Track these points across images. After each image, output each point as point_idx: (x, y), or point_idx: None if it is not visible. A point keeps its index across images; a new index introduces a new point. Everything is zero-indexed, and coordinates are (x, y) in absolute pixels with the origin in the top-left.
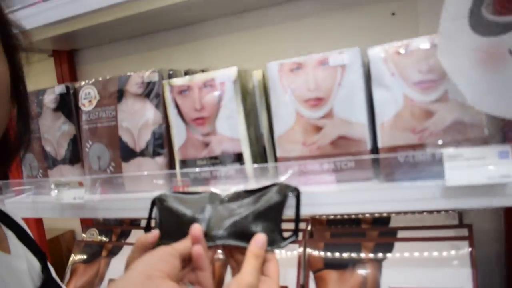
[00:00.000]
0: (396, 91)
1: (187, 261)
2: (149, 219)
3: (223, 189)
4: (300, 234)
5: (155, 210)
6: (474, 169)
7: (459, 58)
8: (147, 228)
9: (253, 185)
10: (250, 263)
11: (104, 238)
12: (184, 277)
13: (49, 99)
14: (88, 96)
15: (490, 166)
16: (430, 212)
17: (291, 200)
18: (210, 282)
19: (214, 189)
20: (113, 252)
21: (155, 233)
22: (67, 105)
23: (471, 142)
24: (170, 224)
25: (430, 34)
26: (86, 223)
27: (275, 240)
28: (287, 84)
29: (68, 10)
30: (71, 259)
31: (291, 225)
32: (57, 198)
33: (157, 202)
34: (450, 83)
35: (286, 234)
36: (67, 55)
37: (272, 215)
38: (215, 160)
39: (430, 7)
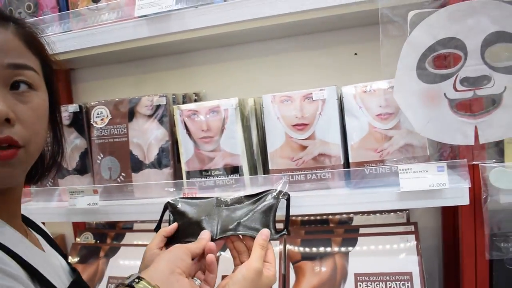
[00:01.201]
0: (362, 120)
1: (197, 260)
2: (161, 219)
3: (226, 195)
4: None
5: (166, 213)
6: (420, 179)
7: (409, 97)
8: (158, 228)
9: (250, 191)
10: (257, 251)
11: (98, 241)
12: (193, 273)
13: (62, 116)
14: (100, 115)
15: (431, 177)
16: (384, 212)
17: (282, 203)
18: (214, 282)
19: (219, 195)
20: (111, 252)
21: (174, 225)
22: (80, 122)
23: (418, 159)
24: (182, 224)
25: (390, 77)
26: (79, 227)
27: (271, 233)
28: (279, 111)
29: (69, 45)
30: (68, 260)
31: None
32: (71, 204)
33: (169, 206)
34: (402, 115)
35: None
36: (64, 73)
37: (268, 214)
38: (217, 172)
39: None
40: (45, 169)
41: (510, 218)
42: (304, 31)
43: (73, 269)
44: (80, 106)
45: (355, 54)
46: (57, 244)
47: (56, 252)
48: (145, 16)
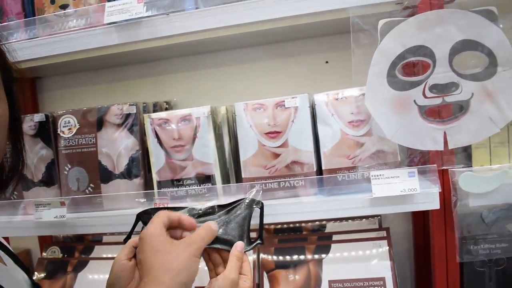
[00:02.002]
0: (335, 127)
1: None
2: (132, 231)
3: (199, 204)
4: None
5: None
6: (391, 185)
7: (380, 105)
8: (128, 239)
9: (223, 201)
10: (232, 263)
11: (65, 255)
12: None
13: (28, 126)
14: (68, 124)
15: (402, 182)
16: (357, 219)
17: (256, 212)
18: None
19: (191, 204)
20: (79, 266)
21: None
22: (46, 132)
23: (389, 165)
24: None
25: (361, 84)
26: (45, 241)
27: (245, 244)
28: (251, 119)
29: (35, 52)
30: (34, 276)
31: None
32: (37, 217)
33: (141, 217)
34: (374, 122)
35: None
36: (30, 82)
37: (242, 224)
38: (189, 181)
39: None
40: (4, 182)
41: (479, 221)
42: (276, 39)
43: (36, 285)
44: (46, 116)
45: (326, 62)
46: (19, 259)
47: (18, 267)
48: (114, 23)
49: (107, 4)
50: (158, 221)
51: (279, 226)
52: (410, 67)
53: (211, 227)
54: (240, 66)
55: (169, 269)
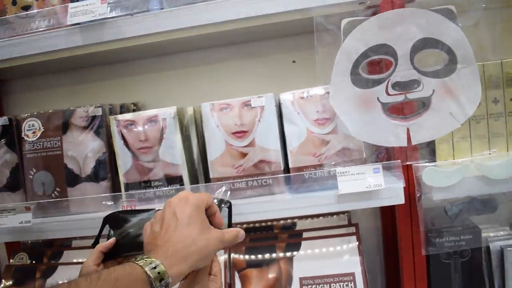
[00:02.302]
0: (301, 126)
1: None
2: (99, 235)
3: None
4: None
5: (106, 227)
6: (357, 181)
7: (344, 103)
8: (96, 243)
9: None
10: None
11: (34, 261)
12: None
13: None
14: (32, 128)
15: (368, 178)
16: (326, 215)
17: (224, 212)
18: None
19: (159, 206)
20: (48, 273)
21: (112, 240)
22: (10, 136)
23: (355, 162)
24: (122, 238)
25: (325, 83)
26: (13, 248)
27: None
28: (218, 119)
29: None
30: (2, 284)
31: None
32: (1, 223)
33: (108, 220)
34: (339, 120)
35: None
36: None
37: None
38: (157, 183)
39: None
40: None
41: (443, 215)
42: (243, 39)
43: None
44: (10, 119)
45: (293, 61)
46: None
47: None
48: (78, 24)
49: (70, 5)
50: (205, 198)
51: (251, 225)
52: (376, 65)
53: (240, 234)
54: (209, 66)
55: (193, 250)
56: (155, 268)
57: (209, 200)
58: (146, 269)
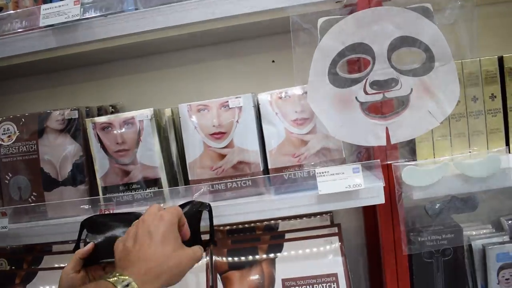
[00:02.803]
0: (279, 126)
1: None
2: (78, 240)
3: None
4: None
5: (84, 232)
6: (337, 181)
7: (322, 102)
8: (77, 248)
9: (171, 204)
10: None
11: (13, 267)
12: None
13: None
14: (7, 132)
15: (347, 178)
16: (309, 216)
17: (205, 214)
18: None
19: (138, 209)
20: (27, 278)
21: (90, 245)
22: None
23: (334, 162)
24: (101, 242)
25: (303, 83)
26: None
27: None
28: (196, 121)
29: None
30: None
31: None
32: None
33: (86, 224)
34: (317, 120)
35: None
36: None
37: (192, 227)
38: (135, 185)
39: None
40: None
41: (423, 214)
42: (221, 39)
43: None
44: None
45: (273, 61)
46: None
47: None
48: (51, 26)
49: (43, 6)
50: (176, 212)
51: (234, 227)
52: (354, 64)
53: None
54: (188, 66)
55: (165, 268)
56: (127, 286)
57: (179, 213)
58: (119, 287)
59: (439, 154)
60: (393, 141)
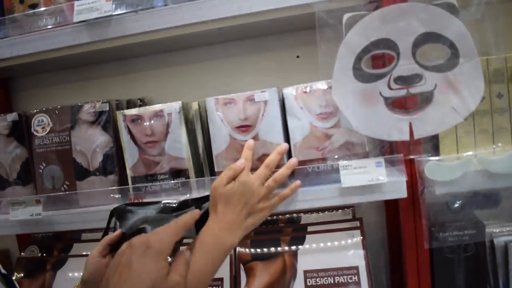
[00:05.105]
0: (304, 120)
1: None
2: (107, 227)
3: (173, 199)
4: None
5: (112, 220)
6: (360, 175)
7: (346, 97)
8: (105, 235)
9: (197, 194)
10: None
11: (44, 254)
12: None
13: (1, 126)
14: (41, 123)
15: (370, 172)
16: (331, 210)
17: None
18: None
19: (165, 199)
20: (58, 265)
21: (118, 232)
22: (20, 131)
23: (357, 156)
24: (129, 229)
25: (328, 78)
26: (24, 241)
27: None
28: (222, 114)
29: (5, 53)
30: (14, 276)
31: None
32: (13, 216)
33: (115, 212)
34: (341, 114)
35: None
36: (2, 82)
37: None
38: (163, 176)
39: (327, 52)
40: None
41: (446, 209)
42: (248, 35)
43: (4, 276)
44: (19, 115)
45: (298, 56)
46: None
47: None
48: (84, 21)
49: (76, 2)
50: (170, 239)
51: None
52: (378, 59)
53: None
54: (215, 61)
55: None
56: None
57: (173, 239)
58: None
59: (463, 150)
60: (416, 136)
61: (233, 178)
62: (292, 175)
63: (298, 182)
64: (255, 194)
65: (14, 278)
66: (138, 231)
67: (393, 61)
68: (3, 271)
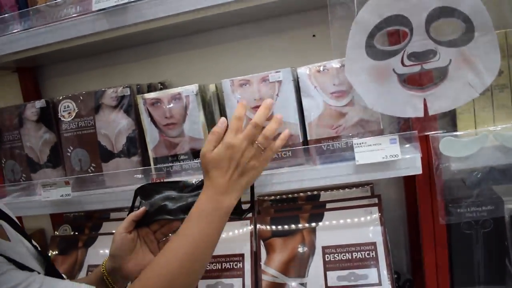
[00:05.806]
0: (318, 99)
1: None
2: (133, 205)
3: (193, 178)
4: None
5: (137, 199)
6: (374, 152)
7: (360, 75)
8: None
9: None
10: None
11: (76, 233)
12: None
13: (31, 112)
14: (67, 109)
15: (384, 149)
16: (350, 187)
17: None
18: None
19: (186, 178)
20: (89, 242)
21: (142, 209)
22: (48, 117)
23: (372, 133)
24: (151, 207)
25: (341, 56)
26: (57, 221)
27: (238, 211)
28: (238, 95)
29: (30, 42)
30: (49, 253)
31: None
32: (45, 197)
33: (139, 192)
34: (355, 92)
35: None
36: (31, 71)
37: None
38: (183, 156)
39: (339, 30)
40: None
41: (462, 185)
42: (263, 16)
43: (40, 253)
44: (47, 102)
45: (314, 36)
46: (21, 227)
47: (22, 237)
48: (103, 9)
49: None
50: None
51: (278, 197)
52: (392, 36)
53: None
54: (230, 44)
55: None
56: None
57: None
58: None
59: (481, 125)
60: (431, 113)
61: (218, 141)
62: (308, 153)
63: (286, 131)
64: (245, 155)
65: (49, 255)
66: (160, 208)
67: (406, 37)
68: (39, 248)
